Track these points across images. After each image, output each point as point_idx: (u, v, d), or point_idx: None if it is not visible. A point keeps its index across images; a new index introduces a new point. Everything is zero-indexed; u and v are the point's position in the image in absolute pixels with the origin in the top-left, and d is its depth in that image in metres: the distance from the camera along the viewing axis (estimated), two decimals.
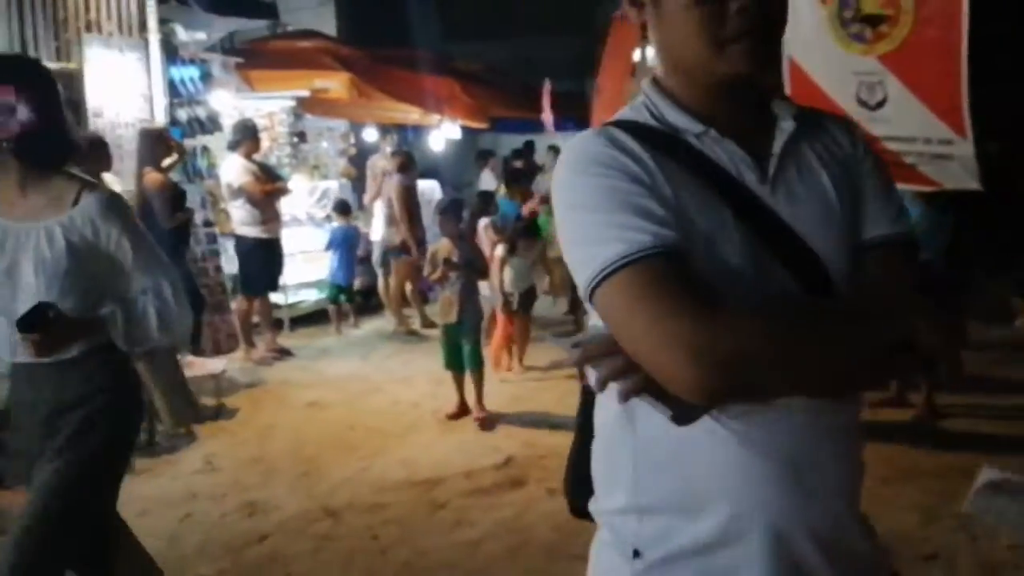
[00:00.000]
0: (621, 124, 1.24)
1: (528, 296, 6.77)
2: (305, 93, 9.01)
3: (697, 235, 1.14)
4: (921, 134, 4.34)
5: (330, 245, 8.32)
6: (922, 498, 4.30)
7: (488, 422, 5.65)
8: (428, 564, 3.86)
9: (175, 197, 6.56)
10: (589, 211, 1.15)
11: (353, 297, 8.67)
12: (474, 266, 5.86)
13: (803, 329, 1.07)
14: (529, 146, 12.82)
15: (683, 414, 1.09)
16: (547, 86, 8.47)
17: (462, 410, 5.80)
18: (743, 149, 1.21)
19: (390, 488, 4.67)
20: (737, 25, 1.14)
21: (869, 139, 4.19)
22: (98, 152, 5.88)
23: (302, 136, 8.89)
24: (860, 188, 1.27)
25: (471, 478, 4.77)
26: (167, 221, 6.38)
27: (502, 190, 9.05)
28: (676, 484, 1.21)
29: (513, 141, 13.59)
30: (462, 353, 5.74)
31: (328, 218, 8.79)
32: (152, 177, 6.37)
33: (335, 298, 8.46)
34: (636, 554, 1.26)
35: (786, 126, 1.24)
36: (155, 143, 6.56)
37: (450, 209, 6.04)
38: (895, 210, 1.29)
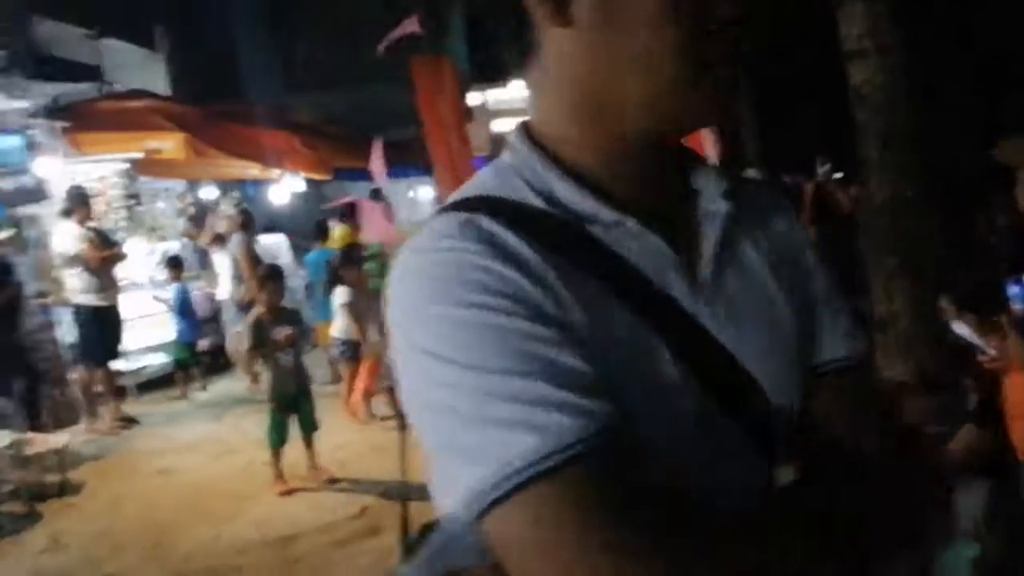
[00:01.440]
0: (490, 206, 0.83)
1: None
2: (138, 155, 8.89)
3: (626, 384, 0.78)
4: None
5: (175, 306, 8.24)
6: None
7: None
8: None
9: (1, 271, 6.40)
10: (466, 371, 0.74)
11: (198, 358, 8.59)
12: (302, 328, 5.90)
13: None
14: (376, 193, 12.97)
15: None
16: (377, 143, 8.73)
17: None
18: (670, 246, 0.85)
19: (246, 549, 4.73)
20: (726, 43, 0.81)
21: None
22: None
23: (137, 198, 8.77)
24: (809, 293, 0.96)
25: (328, 531, 4.89)
26: None
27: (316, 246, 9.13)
28: None
29: (359, 189, 13.72)
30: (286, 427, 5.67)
31: (168, 280, 8.70)
32: None
33: (184, 360, 8.38)
34: None
35: (717, 208, 0.90)
36: None
37: (273, 275, 6.03)
38: (849, 322, 0.98)
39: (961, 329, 3.09)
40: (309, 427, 5.76)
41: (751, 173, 9.89)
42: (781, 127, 12.30)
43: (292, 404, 5.69)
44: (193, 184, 10.38)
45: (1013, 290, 3.24)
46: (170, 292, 8.26)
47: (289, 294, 10.19)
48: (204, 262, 9.75)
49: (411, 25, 10.00)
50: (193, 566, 4.55)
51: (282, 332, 5.66)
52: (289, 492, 5.59)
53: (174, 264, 8.35)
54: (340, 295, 6.80)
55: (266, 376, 5.72)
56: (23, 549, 4.90)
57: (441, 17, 18.33)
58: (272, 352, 5.63)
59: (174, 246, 9.03)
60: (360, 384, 6.88)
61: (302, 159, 11.11)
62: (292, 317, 5.96)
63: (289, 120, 11.58)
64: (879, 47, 4.66)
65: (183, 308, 8.28)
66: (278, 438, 5.66)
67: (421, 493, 0.80)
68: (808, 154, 11.95)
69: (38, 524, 5.25)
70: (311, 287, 8.90)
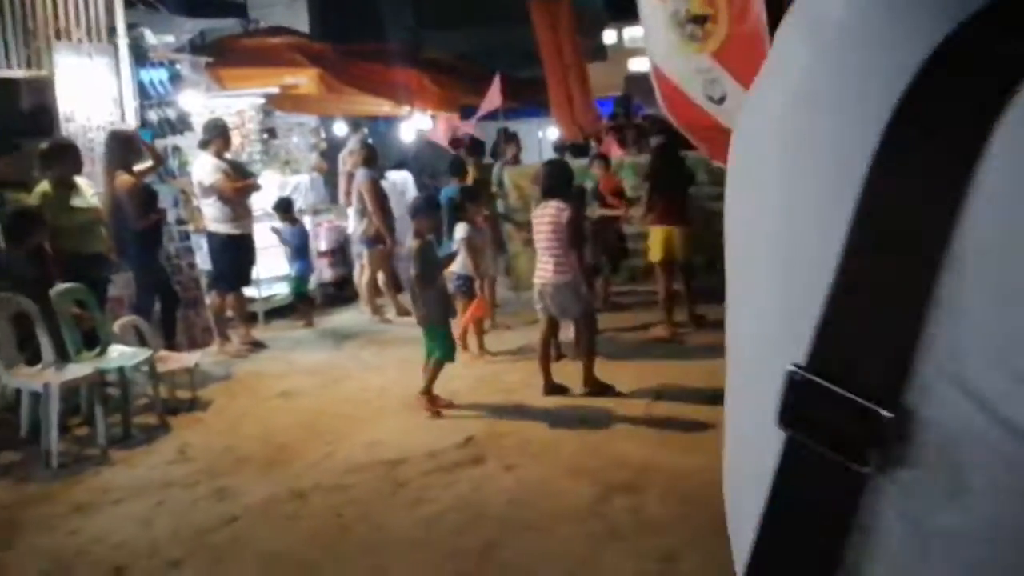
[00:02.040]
0: None
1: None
2: (275, 90, 9.18)
3: None
4: None
5: (284, 243, 8.53)
6: None
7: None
8: (387, 538, 4.10)
9: (146, 198, 6.77)
10: None
11: (305, 291, 8.78)
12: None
13: None
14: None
15: None
16: (497, 78, 8.70)
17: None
18: None
19: (355, 470, 4.89)
20: None
21: (713, 131, 4.39)
22: (67, 156, 6.09)
23: (272, 132, 9.08)
24: None
25: (433, 457, 5.00)
26: (139, 222, 6.59)
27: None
28: None
29: (486, 128, 13.76)
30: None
31: (300, 211, 8.99)
32: (123, 179, 6.56)
33: (301, 294, 8.65)
34: None
35: None
36: (125, 145, 6.75)
37: (423, 208, 6.13)
38: None
39: None
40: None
41: None
42: None
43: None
44: (326, 120, 10.66)
45: None
46: (283, 230, 8.46)
47: None
48: (334, 195, 10.03)
49: None
50: (305, 483, 4.74)
51: (443, 258, 5.94)
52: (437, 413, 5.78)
53: (284, 208, 8.47)
54: (460, 230, 6.84)
55: (421, 303, 5.81)
56: (153, 458, 5.23)
57: None
58: (438, 274, 5.84)
59: (305, 180, 9.30)
60: (471, 318, 6.94)
61: (431, 96, 11.23)
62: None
63: (419, 59, 11.68)
64: None
65: (298, 247, 8.48)
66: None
67: None
68: None
69: (168, 436, 5.59)
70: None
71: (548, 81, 10.53)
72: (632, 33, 34.27)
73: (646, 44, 5.09)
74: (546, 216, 5.78)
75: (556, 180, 5.98)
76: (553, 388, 6.01)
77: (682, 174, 7.46)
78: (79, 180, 6.20)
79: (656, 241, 7.45)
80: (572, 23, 10.59)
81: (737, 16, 4.46)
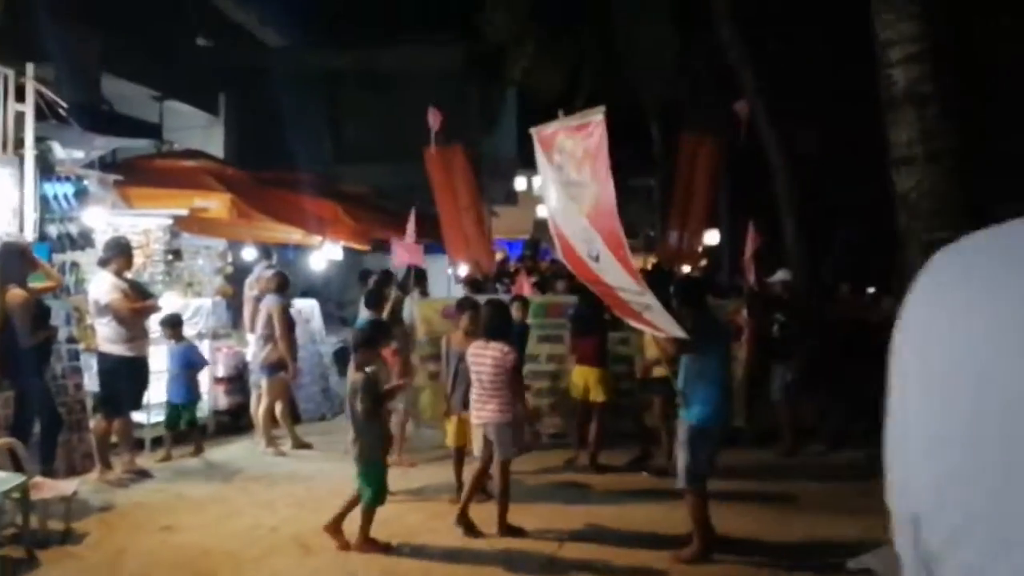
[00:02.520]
0: None
1: None
2: (183, 212, 9.06)
3: None
4: (624, 285, 4.84)
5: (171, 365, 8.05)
6: None
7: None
8: None
9: (38, 314, 6.46)
10: None
11: (194, 419, 8.26)
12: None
13: None
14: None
15: None
16: (412, 213, 8.87)
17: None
18: None
19: None
20: None
21: (600, 285, 4.60)
22: None
23: (178, 254, 8.88)
24: None
25: None
26: (28, 338, 6.27)
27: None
28: None
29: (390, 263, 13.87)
30: None
31: (200, 335, 8.72)
32: (14, 293, 6.27)
33: (174, 421, 8.11)
34: None
35: None
36: (18, 258, 6.49)
37: (367, 339, 6.01)
38: None
39: None
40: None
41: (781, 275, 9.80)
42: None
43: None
44: (234, 244, 10.53)
45: None
46: (166, 352, 8.10)
47: (318, 359, 10.22)
48: (236, 321, 9.80)
49: (435, 118, 10.45)
50: None
51: (391, 387, 5.97)
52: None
53: (172, 324, 8.07)
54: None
55: (363, 437, 5.63)
56: None
57: (492, 105, 18.84)
58: (382, 408, 5.78)
59: (207, 303, 9.08)
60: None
61: (345, 228, 11.28)
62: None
63: (335, 190, 11.79)
64: (929, 154, 4.58)
65: (183, 366, 8.12)
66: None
67: None
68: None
69: (36, 572, 5.13)
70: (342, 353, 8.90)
71: (442, 221, 10.92)
72: (541, 181, 35.93)
73: (545, 200, 5.30)
74: (488, 357, 5.86)
75: (498, 321, 6.11)
76: (466, 521, 5.93)
77: (600, 318, 7.69)
78: None
79: (576, 380, 7.89)
80: (467, 167, 11.04)
81: (602, 181, 4.66)
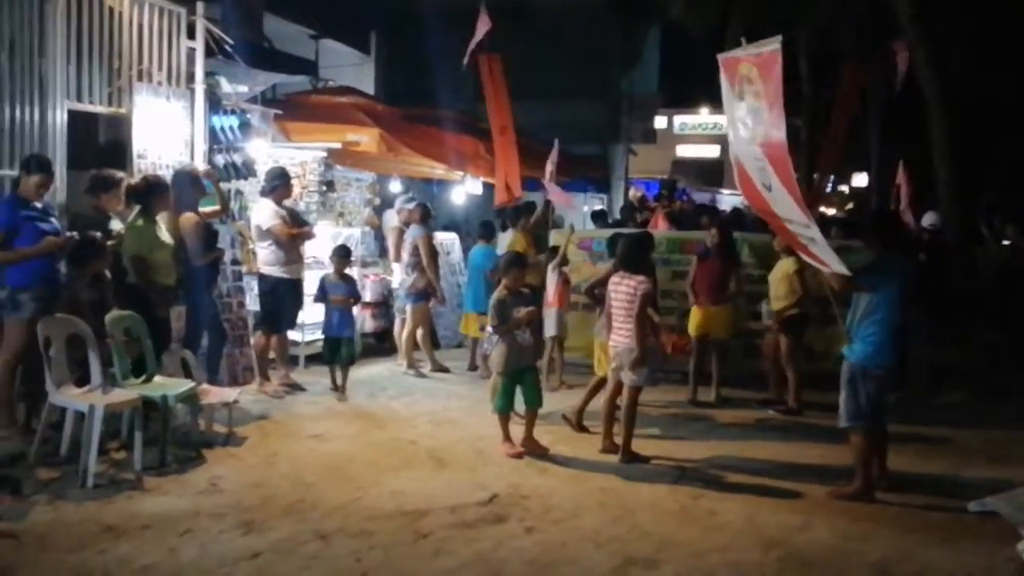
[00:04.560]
0: None
1: None
2: (337, 145, 9.52)
3: None
4: (793, 217, 4.76)
5: (319, 297, 7.96)
6: None
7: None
8: None
9: (208, 236, 7.03)
10: None
11: (354, 354, 8.18)
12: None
13: None
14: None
15: None
16: (555, 148, 8.94)
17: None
18: None
19: (379, 517, 4.95)
20: None
21: (774, 218, 4.65)
22: (159, 192, 6.47)
23: (331, 185, 9.36)
24: None
25: (456, 512, 5.05)
26: (199, 259, 6.85)
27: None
28: None
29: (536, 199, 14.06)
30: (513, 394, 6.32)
31: (352, 262, 9.16)
32: (187, 217, 6.84)
33: (333, 355, 7.95)
34: None
35: None
36: (191, 184, 7.05)
37: (517, 261, 6.52)
38: None
39: None
40: (535, 401, 6.32)
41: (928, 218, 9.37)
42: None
43: (520, 377, 6.26)
44: (382, 178, 10.98)
45: None
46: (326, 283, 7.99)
47: (457, 290, 10.58)
48: (382, 249, 10.28)
49: (485, 24, 10.15)
50: (329, 524, 4.81)
51: (523, 311, 6.22)
52: (518, 455, 6.12)
53: (342, 255, 8.05)
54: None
55: (499, 350, 6.24)
56: (185, 488, 5.32)
57: (636, 42, 18.52)
58: (512, 328, 6.17)
59: (357, 232, 9.57)
60: None
61: (485, 164, 11.52)
62: (530, 299, 6.54)
63: (477, 127, 12.02)
64: None
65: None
66: (505, 405, 6.28)
67: None
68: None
69: (201, 467, 5.70)
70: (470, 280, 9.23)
71: (492, 131, 10.46)
72: (681, 120, 35.01)
73: (729, 131, 5.32)
74: (624, 288, 6.12)
75: (635, 253, 6.35)
76: (612, 447, 6.30)
77: (727, 255, 7.74)
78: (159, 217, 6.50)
79: (693, 319, 8.02)
80: (503, 81, 10.44)
81: (775, 109, 4.66)
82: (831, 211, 12.64)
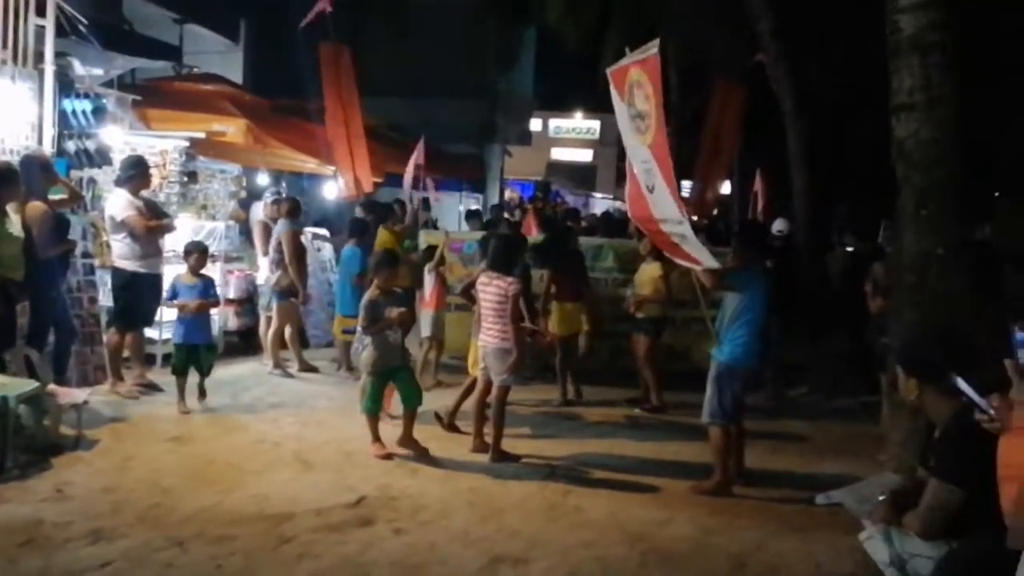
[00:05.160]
0: None
1: None
2: (201, 135, 9.17)
3: None
4: (669, 216, 4.98)
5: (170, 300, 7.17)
6: None
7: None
8: None
9: (58, 227, 6.62)
10: None
11: (211, 361, 7.33)
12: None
13: None
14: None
15: None
16: (420, 145, 8.93)
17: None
18: None
19: (241, 521, 4.78)
20: None
21: (651, 223, 4.89)
22: (8, 181, 6.01)
23: (193, 176, 9.00)
24: None
25: (322, 515, 4.93)
26: (47, 250, 6.44)
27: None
28: None
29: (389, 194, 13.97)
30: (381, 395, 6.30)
31: (212, 258, 8.83)
32: (35, 206, 6.42)
33: (184, 366, 7.04)
34: None
35: None
36: (40, 171, 6.62)
37: (389, 260, 6.46)
38: None
39: (964, 387, 3.04)
40: (413, 400, 6.26)
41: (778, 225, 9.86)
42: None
43: (391, 376, 6.24)
44: (248, 170, 10.65)
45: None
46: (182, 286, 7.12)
47: (327, 288, 10.37)
48: (249, 243, 9.96)
49: (323, 3, 10.22)
50: (186, 530, 4.60)
51: (394, 311, 6.13)
52: (388, 456, 6.06)
53: (198, 250, 7.27)
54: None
55: (369, 350, 6.17)
56: (25, 494, 4.99)
57: (512, 44, 18.70)
58: (383, 328, 6.11)
59: (220, 226, 9.23)
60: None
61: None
62: (403, 299, 6.43)
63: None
64: (928, 102, 4.62)
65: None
66: (374, 405, 6.21)
67: None
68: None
69: (46, 473, 5.35)
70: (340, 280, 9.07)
71: (328, 128, 10.57)
72: (556, 123, 35.73)
73: (625, 143, 5.46)
74: (493, 287, 6.12)
75: (505, 255, 6.31)
76: (482, 447, 6.30)
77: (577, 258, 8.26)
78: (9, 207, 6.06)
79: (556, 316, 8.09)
80: (351, 73, 10.58)
81: (658, 107, 4.84)
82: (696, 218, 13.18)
